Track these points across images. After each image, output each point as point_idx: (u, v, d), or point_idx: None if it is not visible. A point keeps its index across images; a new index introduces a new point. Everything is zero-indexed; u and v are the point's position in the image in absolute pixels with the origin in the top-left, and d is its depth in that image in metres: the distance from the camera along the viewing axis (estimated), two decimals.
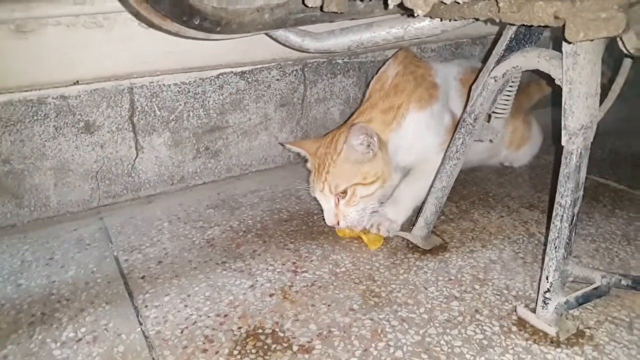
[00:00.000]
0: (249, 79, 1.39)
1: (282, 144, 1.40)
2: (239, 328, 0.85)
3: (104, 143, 1.24)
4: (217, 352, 0.80)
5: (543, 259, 0.84)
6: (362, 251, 1.08)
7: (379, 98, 1.18)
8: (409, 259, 1.05)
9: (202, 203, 1.30)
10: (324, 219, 1.12)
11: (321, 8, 0.76)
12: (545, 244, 0.84)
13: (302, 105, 1.50)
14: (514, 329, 0.84)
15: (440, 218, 1.17)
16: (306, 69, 1.47)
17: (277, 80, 1.43)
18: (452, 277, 0.98)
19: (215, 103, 1.36)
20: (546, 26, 0.70)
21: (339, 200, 1.09)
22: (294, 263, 1.03)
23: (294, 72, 1.45)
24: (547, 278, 0.82)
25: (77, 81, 1.16)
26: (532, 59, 0.86)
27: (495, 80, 0.94)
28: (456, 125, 1.04)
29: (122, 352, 0.81)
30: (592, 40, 0.69)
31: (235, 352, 0.80)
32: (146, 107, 1.27)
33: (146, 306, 0.91)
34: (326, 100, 1.53)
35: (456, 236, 1.13)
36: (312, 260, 1.04)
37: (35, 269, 1.03)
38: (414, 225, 1.10)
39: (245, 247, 1.10)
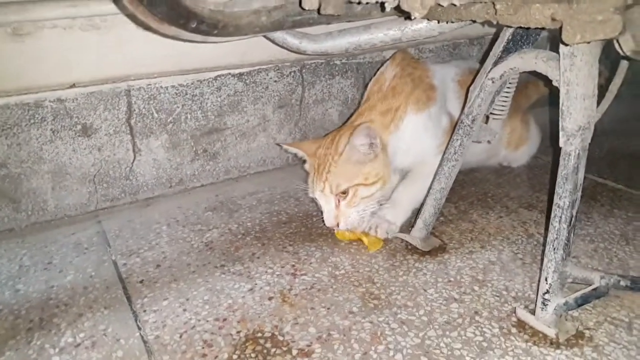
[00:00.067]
0: (247, 81, 1.39)
1: (279, 145, 1.39)
2: (238, 332, 0.85)
3: (101, 146, 1.24)
4: (216, 357, 0.79)
5: (542, 259, 0.84)
6: (361, 253, 1.08)
7: (377, 100, 1.18)
8: (408, 260, 1.04)
9: (201, 206, 1.29)
10: (323, 221, 1.12)
11: (318, 11, 0.76)
12: (544, 245, 0.84)
13: (300, 107, 1.50)
14: (514, 330, 0.84)
15: (439, 219, 1.17)
16: (304, 70, 1.47)
17: (275, 81, 1.43)
18: (452, 279, 0.98)
19: (213, 105, 1.36)
20: (543, 28, 0.70)
21: (339, 202, 1.09)
22: (293, 266, 1.03)
23: (292, 74, 1.45)
24: (546, 279, 0.82)
25: (74, 84, 1.16)
26: (530, 60, 0.86)
27: (493, 82, 0.93)
28: (454, 126, 1.04)
29: (120, 357, 0.80)
30: (588, 42, 0.69)
31: (235, 357, 0.79)
32: (144, 110, 1.26)
33: (145, 311, 0.91)
34: (324, 102, 1.53)
35: (455, 237, 1.12)
36: (311, 263, 1.04)
37: (33, 274, 1.02)
38: (412, 226, 1.10)
39: (244, 250, 1.10)
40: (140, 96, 1.25)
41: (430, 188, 1.07)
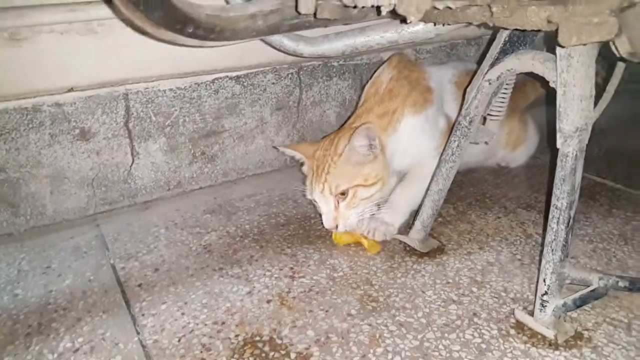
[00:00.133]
0: (245, 83, 1.39)
1: (276, 147, 1.39)
2: (237, 336, 0.85)
3: (99, 150, 1.24)
4: None
5: (540, 260, 0.84)
6: (359, 255, 1.08)
7: (374, 103, 1.18)
8: (407, 262, 1.04)
9: (199, 208, 1.29)
10: (321, 223, 1.12)
11: (314, 15, 0.76)
12: (542, 245, 0.84)
13: (298, 109, 1.50)
14: (512, 332, 0.84)
15: (438, 220, 1.17)
16: (301, 72, 1.47)
17: (273, 84, 1.43)
18: (450, 280, 0.98)
19: (211, 108, 1.36)
20: (539, 30, 0.70)
21: (338, 203, 1.08)
22: (292, 268, 1.03)
23: (290, 76, 1.45)
24: (544, 281, 0.82)
25: (72, 88, 1.16)
26: (527, 61, 0.86)
27: (490, 83, 0.93)
28: (451, 128, 1.04)
29: None
30: (585, 45, 0.69)
31: None
32: (142, 113, 1.26)
33: (143, 315, 0.91)
34: (322, 103, 1.53)
35: (453, 238, 1.12)
36: (309, 265, 1.04)
37: (32, 279, 1.02)
38: (411, 228, 1.10)
39: (242, 252, 1.10)
40: (138, 100, 1.25)
41: (428, 189, 1.07)
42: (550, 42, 0.74)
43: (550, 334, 0.82)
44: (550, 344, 0.81)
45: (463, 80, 1.20)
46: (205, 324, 0.87)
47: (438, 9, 0.71)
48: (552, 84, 0.81)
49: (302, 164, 1.22)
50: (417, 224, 1.08)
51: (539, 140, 1.49)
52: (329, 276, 1.00)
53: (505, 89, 1.00)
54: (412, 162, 1.18)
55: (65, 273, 1.04)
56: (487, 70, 0.93)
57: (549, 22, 0.67)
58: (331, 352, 0.80)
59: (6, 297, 0.97)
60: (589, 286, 0.87)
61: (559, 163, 0.80)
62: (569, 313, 0.87)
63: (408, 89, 1.18)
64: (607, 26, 0.63)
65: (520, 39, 0.91)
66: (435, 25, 0.96)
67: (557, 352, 0.79)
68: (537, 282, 0.84)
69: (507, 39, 0.91)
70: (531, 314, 0.85)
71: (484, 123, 1.04)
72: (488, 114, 1.02)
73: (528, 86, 1.49)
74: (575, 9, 0.65)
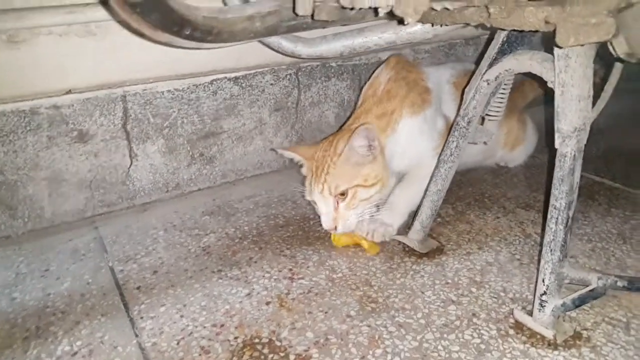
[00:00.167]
0: (243, 84, 1.39)
1: (275, 150, 1.39)
2: (236, 338, 0.84)
3: (97, 152, 1.23)
4: None
5: (539, 260, 0.84)
6: (358, 256, 1.08)
7: (373, 104, 1.18)
8: (406, 263, 1.04)
9: (198, 210, 1.29)
10: (320, 224, 1.12)
11: (312, 16, 0.76)
12: (541, 245, 0.84)
13: (296, 109, 1.50)
14: (512, 332, 0.84)
15: (437, 220, 1.17)
16: (300, 73, 1.47)
17: (271, 84, 1.43)
18: (449, 281, 0.98)
19: (210, 109, 1.35)
20: (537, 31, 0.70)
21: (338, 204, 1.08)
22: (291, 270, 1.03)
23: (288, 77, 1.45)
24: (543, 281, 0.82)
25: (70, 90, 1.15)
26: (525, 61, 0.86)
27: (488, 84, 0.93)
28: (450, 128, 1.04)
29: None
30: (582, 45, 0.69)
31: None
32: (140, 115, 1.26)
33: (142, 317, 0.90)
34: (320, 104, 1.53)
35: (452, 238, 1.12)
36: (308, 267, 1.04)
37: (30, 282, 1.02)
38: (410, 228, 1.10)
39: (241, 254, 1.09)
40: (136, 101, 1.25)
41: (426, 190, 1.07)
42: (549, 41, 0.74)
43: (549, 334, 0.82)
44: (549, 344, 0.81)
45: (461, 81, 1.20)
46: (204, 327, 0.87)
47: (436, 10, 0.71)
48: (550, 84, 0.81)
49: (301, 166, 1.22)
50: (416, 225, 1.08)
51: (537, 139, 1.49)
52: (328, 277, 1.00)
53: (504, 89, 1.00)
54: (410, 163, 1.18)
55: (63, 276, 1.04)
56: (485, 71, 0.93)
57: (547, 22, 0.67)
58: (330, 354, 0.80)
59: (4, 301, 0.96)
60: (587, 286, 0.87)
61: (557, 163, 0.80)
62: (568, 313, 0.87)
63: (406, 89, 1.18)
64: (605, 27, 0.63)
65: (518, 39, 0.91)
66: (433, 26, 0.96)
67: (556, 352, 0.79)
68: (536, 282, 0.84)
69: (505, 39, 0.91)
70: (530, 314, 0.85)
71: (482, 123, 1.04)
72: (486, 114, 1.02)
73: (526, 86, 1.49)
74: (572, 9, 0.65)
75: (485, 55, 0.94)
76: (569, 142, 0.79)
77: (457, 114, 1.00)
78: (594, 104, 0.81)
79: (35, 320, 0.91)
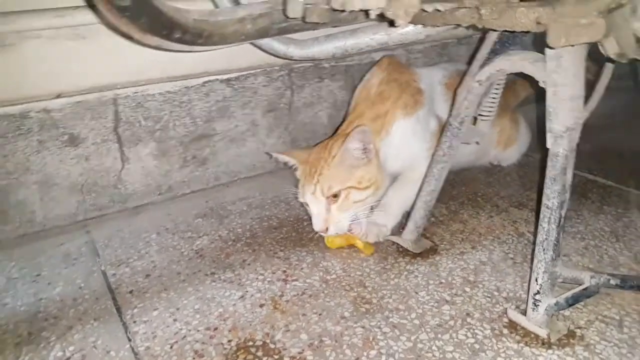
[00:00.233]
0: (235, 86, 1.38)
1: (269, 154, 1.38)
2: (229, 341, 0.84)
3: (88, 155, 1.23)
4: None
5: (532, 259, 0.84)
6: (352, 257, 1.07)
7: (366, 107, 1.17)
8: (400, 263, 1.04)
9: (191, 212, 1.28)
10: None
11: (303, 18, 0.76)
12: (534, 243, 0.84)
13: (289, 111, 1.49)
14: (505, 331, 0.84)
15: (430, 220, 1.17)
16: (293, 74, 1.46)
17: (264, 86, 1.43)
18: (443, 281, 0.98)
19: (202, 111, 1.35)
20: (528, 31, 0.70)
21: (330, 205, 1.07)
22: (284, 271, 1.03)
23: (281, 78, 1.45)
24: (536, 280, 0.82)
25: (60, 94, 1.15)
26: (516, 62, 0.87)
27: (480, 84, 0.94)
28: (442, 129, 1.04)
29: None
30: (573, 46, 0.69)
31: None
32: (131, 118, 1.25)
33: (135, 321, 0.90)
34: (314, 105, 1.53)
35: (446, 238, 1.13)
36: (302, 268, 1.04)
37: (21, 287, 1.01)
38: (403, 229, 1.10)
39: (234, 256, 1.09)
40: (127, 104, 1.24)
41: (420, 190, 1.07)
42: (541, 42, 0.74)
43: (543, 333, 0.82)
44: (543, 343, 0.81)
45: (453, 82, 1.20)
46: (198, 330, 0.87)
47: (427, 12, 0.70)
48: (542, 84, 0.81)
49: (295, 170, 1.21)
50: (410, 225, 1.08)
51: (530, 138, 1.49)
52: (322, 279, 1.00)
53: (496, 89, 1.00)
54: (404, 164, 1.18)
55: (55, 280, 1.03)
56: (477, 71, 0.93)
57: (538, 23, 0.67)
58: (325, 356, 0.80)
59: None
60: (580, 285, 0.87)
61: (549, 163, 0.81)
62: (561, 311, 0.87)
63: (398, 91, 1.18)
64: (595, 27, 0.63)
65: (510, 39, 0.91)
66: (424, 27, 0.96)
67: (550, 351, 0.80)
68: (530, 281, 0.84)
69: (496, 39, 0.91)
70: (524, 313, 0.85)
71: (474, 123, 1.04)
72: (479, 114, 1.02)
73: (518, 84, 1.49)
74: (563, 10, 0.65)
75: (477, 56, 0.94)
76: (561, 142, 0.79)
77: (450, 115, 1.00)
78: (585, 102, 0.81)
79: (27, 326, 0.90)
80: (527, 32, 0.71)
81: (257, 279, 1.01)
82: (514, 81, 1.50)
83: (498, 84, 0.99)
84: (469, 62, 0.97)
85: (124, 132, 1.26)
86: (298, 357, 0.80)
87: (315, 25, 0.86)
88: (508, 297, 0.93)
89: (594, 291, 0.87)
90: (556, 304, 0.82)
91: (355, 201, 1.07)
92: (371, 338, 0.84)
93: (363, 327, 0.86)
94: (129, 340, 0.86)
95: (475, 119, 1.03)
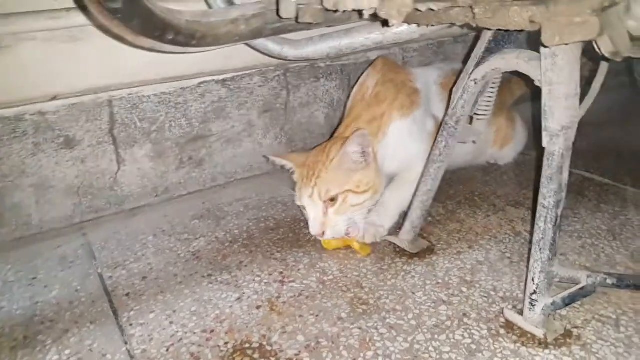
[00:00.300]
0: (231, 87, 1.38)
1: (266, 157, 1.37)
2: (226, 343, 0.84)
3: (84, 158, 1.22)
4: None
5: (529, 258, 0.84)
6: (349, 258, 1.07)
7: (362, 109, 1.17)
8: (397, 263, 1.04)
9: (187, 214, 1.28)
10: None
11: (296, 19, 0.75)
12: (531, 243, 0.84)
13: (285, 111, 1.49)
14: (502, 331, 0.84)
15: (427, 220, 1.17)
16: (288, 74, 1.46)
17: (260, 86, 1.42)
18: (440, 281, 0.98)
19: (197, 112, 1.35)
20: (522, 30, 0.70)
21: (327, 209, 1.06)
22: (281, 273, 1.03)
23: (276, 78, 1.44)
24: (533, 280, 0.82)
25: (55, 96, 1.14)
26: (511, 60, 0.86)
27: (476, 83, 0.93)
28: (438, 128, 1.04)
29: None
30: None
31: None
32: (126, 120, 1.25)
33: (131, 324, 0.89)
34: (310, 105, 1.53)
35: (443, 238, 1.12)
36: (299, 270, 1.03)
37: (17, 290, 1.01)
38: (400, 229, 1.10)
39: (231, 258, 1.09)
40: (122, 106, 1.24)
41: (416, 190, 1.06)
42: (537, 40, 0.74)
43: (539, 333, 0.82)
44: (540, 343, 0.81)
45: (448, 82, 1.20)
46: (194, 333, 0.87)
47: (420, 11, 0.70)
48: (537, 83, 0.81)
49: (292, 173, 1.20)
50: (407, 225, 1.08)
51: (527, 137, 1.49)
52: (319, 280, 1.00)
53: (492, 88, 1.00)
54: (401, 165, 1.18)
55: (51, 284, 1.02)
56: (473, 70, 0.93)
57: (532, 22, 0.67)
58: (321, 357, 0.80)
59: None
60: (577, 284, 0.87)
61: (545, 162, 0.80)
62: (558, 311, 0.87)
63: (394, 92, 1.17)
64: (589, 26, 0.63)
65: (505, 38, 0.91)
66: (419, 26, 0.96)
67: (546, 351, 0.79)
68: (526, 280, 0.84)
69: (491, 38, 0.91)
70: (521, 313, 0.85)
71: (471, 122, 1.04)
72: (475, 114, 1.02)
73: (514, 83, 1.49)
74: (557, 9, 0.65)
75: (472, 55, 0.94)
76: (557, 141, 0.79)
77: (446, 114, 1.00)
78: (581, 100, 0.81)
79: (23, 330, 0.90)
80: (522, 30, 0.71)
81: (254, 280, 1.00)
82: (510, 80, 1.50)
83: (494, 83, 0.99)
84: (465, 61, 0.97)
85: (120, 134, 1.25)
86: (295, 359, 0.80)
87: (309, 26, 0.86)
88: (505, 297, 0.92)
89: (590, 290, 0.87)
90: (553, 303, 0.82)
91: (353, 205, 1.07)
92: (368, 339, 0.83)
93: (360, 328, 0.86)
94: (126, 343, 0.85)
95: (471, 118, 1.03)
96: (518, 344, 0.81)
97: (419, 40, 1.32)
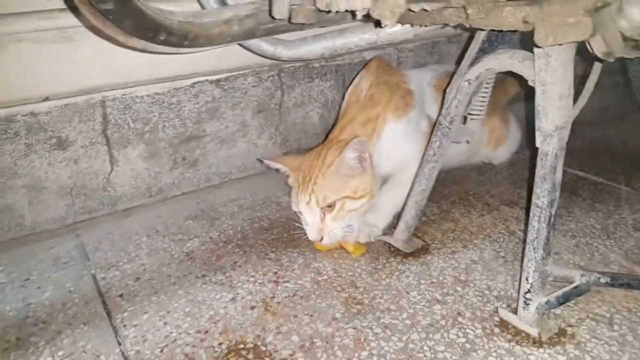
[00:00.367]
0: (225, 87, 1.37)
1: (260, 160, 1.36)
2: (220, 344, 0.84)
3: (77, 158, 1.22)
4: None
5: (523, 257, 0.84)
6: (344, 257, 1.07)
7: (357, 111, 1.17)
8: (391, 263, 1.04)
9: (181, 214, 1.28)
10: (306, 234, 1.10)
11: (289, 19, 0.75)
12: (525, 242, 0.84)
13: (279, 111, 1.49)
14: (496, 330, 0.84)
15: (422, 219, 1.17)
16: (283, 74, 1.46)
17: (254, 86, 1.42)
18: (434, 280, 0.98)
19: (191, 112, 1.34)
20: (516, 30, 0.70)
21: (324, 215, 1.06)
22: (275, 273, 1.02)
23: (271, 78, 1.44)
24: (527, 279, 0.82)
25: (48, 97, 1.13)
26: (505, 60, 0.87)
27: (469, 83, 0.93)
28: (432, 128, 1.04)
29: None
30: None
31: None
32: (119, 120, 1.24)
33: (125, 325, 0.89)
34: (304, 105, 1.52)
35: (437, 237, 1.13)
36: (293, 269, 1.03)
37: (10, 292, 1.00)
38: (395, 228, 1.10)
39: (225, 258, 1.08)
40: (115, 106, 1.23)
41: (411, 190, 1.06)
42: (530, 40, 0.74)
43: (534, 331, 0.82)
44: (534, 342, 0.81)
45: (442, 83, 1.20)
46: (188, 333, 0.86)
47: (414, 12, 0.70)
48: (530, 83, 0.81)
49: (287, 177, 1.19)
50: (401, 225, 1.08)
51: (521, 136, 1.50)
52: (314, 280, 1.00)
53: (485, 88, 1.00)
54: (395, 166, 1.17)
55: (45, 285, 1.02)
56: (466, 70, 0.93)
57: (525, 22, 0.67)
58: (316, 358, 0.80)
59: None
60: (571, 283, 0.87)
61: (539, 162, 0.81)
62: (552, 310, 0.87)
63: (389, 93, 1.17)
64: (582, 26, 0.63)
65: (498, 38, 0.91)
66: (412, 26, 0.96)
67: (541, 350, 0.80)
68: (520, 280, 0.84)
69: (485, 38, 0.91)
70: (515, 312, 0.85)
71: (464, 122, 1.04)
72: (469, 113, 1.02)
73: (507, 82, 1.49)
74: (550, 9, 0.65)
75: (466, 55, 0.94)
76: (551, 141, 0.79)
77: (439, 114, 1.00)
78: (575, 100, 0.81)
79: (15, 331, 0.89)
80: (515, 30, 0.71)
81: (248, 280, 1.00)
82: (503, 79, 1.50)
83: (487, 83, 0.99)
84: (459, 61, 0.97)
85: (113, 134, 1.25)
86: (289, 359, 0.80)
87: (302, 26, 0.86)
88: (499, 296, 0.93)
89: (584, 289, 0.88)
90: (547, 302, 0.82)
91: (350, 210, 1.06)
92: (362, 339, 0.83)
93: (354, 328, 0.86)
94: (119, 344, 0.85)
95: (465, 118, 1.03)
96: (512, 343, 0.81)
97: (413, 40, 1.32)
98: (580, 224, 1.15)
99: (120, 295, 0.97)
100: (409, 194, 1.07)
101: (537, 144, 0.81)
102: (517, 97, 1.54)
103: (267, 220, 1.24)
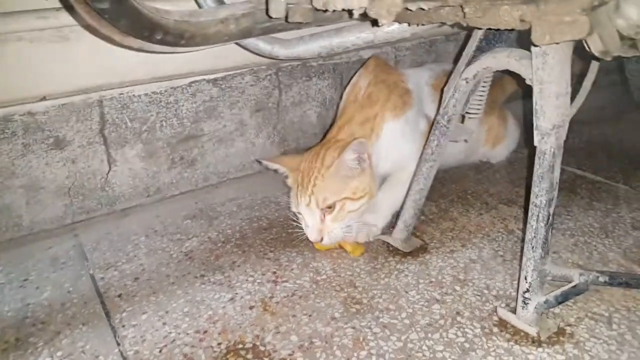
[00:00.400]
0: (222, 86, 1.37)
1: (259, 161, 1.35)
2: (219, 344, 0.83)
3: (75, 158, 1.21)
4: None
5: (522, 256, 0.84)
6: (342, 257, 1.07)
7: (355, 110, 1.16)
8: (390, 262, 1.04)
9: (180, 214, 1.27)
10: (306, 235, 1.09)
11: (286, 18, 0.75)
12: (524, 241, 0.84)
13: (277, 110, 1.48)
14: (495, 330, 0.84)
15: (420, 218, 1.17)
16: (280, 73, 1.45)
17: (251, 85, 1.42)
18: (433, 279, 0.98)
19: (189, 112, 1.34)
20: (513, 29, 0.70)
21: (324, 216, 1.05)
22: (274, 273, 1.02)
23: (268, 77, 1.44)
24: (525, 278, 0.82)
25: (45, 97, 1.13)
26: (502, 59, 0.86)
27: (467, 82, 0.93)
28: (430, 127, 1.04)
29: None
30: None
31: None
32: (117, 120, 1.24)
33: (123, 326, 0.89)
34: (302, 104, 1.52)
35: (436, 236, 1.12)
36: (292, 269, 1.03)
37: (8, 292, 1.00)
38: (393, 228, 1.09)
39: (224, 258, 1.08)
40: (112, 106, 1.23)
41: (409, 189, 1.06)
42: (528, 39, 0.74)
43: (532, 331, 0.82)
44: (533, 341, 0.81)
45: (439, 82, 1.19)
46: (187, 333, 0.86)
47: (411, 10, 0.70)
48: (528, 82, 0.81)
49: (285, 177, 1.19)
50: (400, 224, 1.08)
51: (519, 135, 1.50)
52: (312, 279, 1.00)
53: (483, 86, 1.00)
54: (394, 165, 1.17)
55: (43, 285, 1.02)
56: (464, 69, 0.93)
57: (522, 21, 0.67)
58: (315, 357, 0.80)
59: None
60: (570, 282, 0.87)
61: (536, 160, 0.80)
62: (551, 309, 0.87)
63: (387, 93, 1.17)
64: (579, 25, 0.63)
65: (495, 37, 0.91)
66: (409, 25, 0.96)
67: (540, 349, 0.80)
68: (519, 279, 0.84)
69: (482, 37, 0.91)
70: (514, 311, 0.85)
71: (462, 121, 1.04)
72: (466, 112, 1.02)
73: (505, 81, 1.49)
74: (547, 7, 0.65)
75: (464, 54, 0.94)
76: (548, 139, 0.79)
77: (437, 113, 1.00)
78: (572, 99, 0.81)
79: (14, 332, 0.89)
80: (512, 29, 0.71)
81: (247, 280, 1.00)
82: (501, 78, 1.50)
83: (485, 82, 0.99)
84: (456, 60, 0.97)
85: (110, 134, 1.24)
86: (288, 359, 0.80)
87: (299, 25, 0.85)
88: (498, 295, 0.93)
89: (583, 288, 0.88)
90: (546, 301, 0.82)
91: (350, 211, 1.06)
92: (361, 339, 0.83)
93: (353, 328, 0.86)
94: (118, 344, 0.85)
95: (463, 117, 1.03)
96: (511, 342, 0.81)
97: (410, 39, 1.32)
98: (579, 222, 1.15)
99: (119, 296, 0.97)
100: (407, 193, 1.07)
101: (535, 143, 0.80)
102: (514, 95, 1.54)
103: (265, 220, 1.24)
